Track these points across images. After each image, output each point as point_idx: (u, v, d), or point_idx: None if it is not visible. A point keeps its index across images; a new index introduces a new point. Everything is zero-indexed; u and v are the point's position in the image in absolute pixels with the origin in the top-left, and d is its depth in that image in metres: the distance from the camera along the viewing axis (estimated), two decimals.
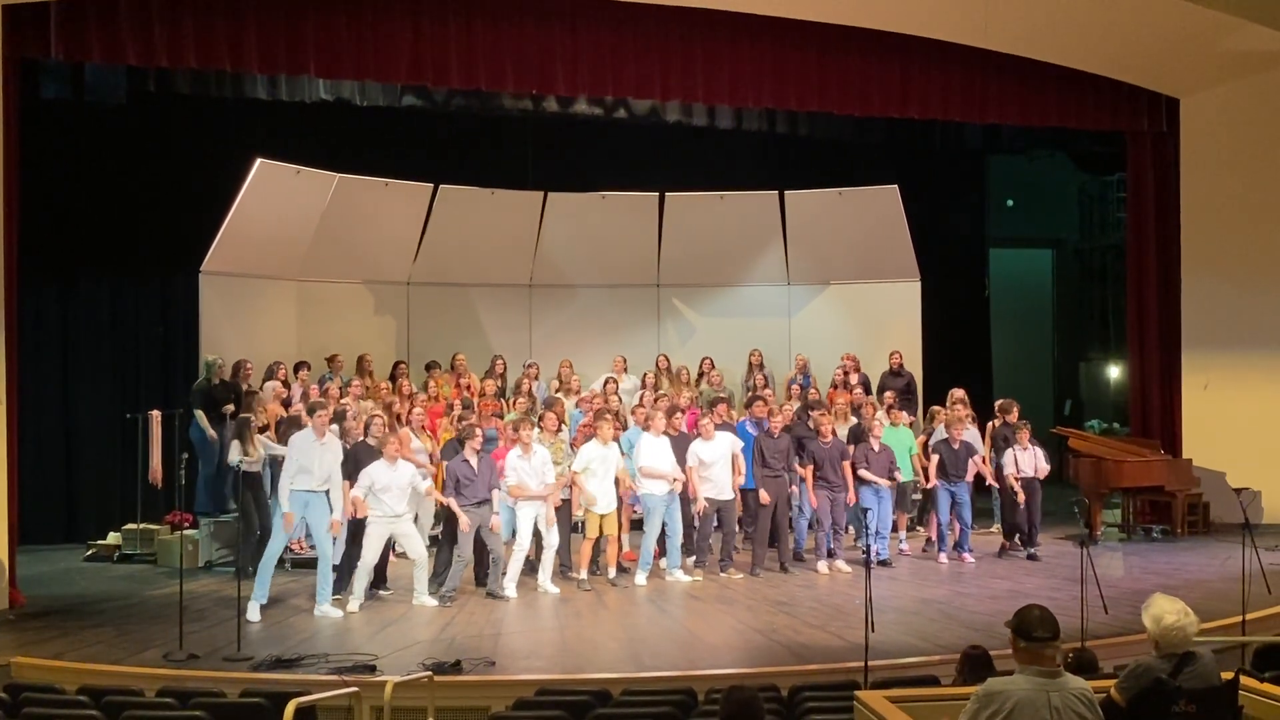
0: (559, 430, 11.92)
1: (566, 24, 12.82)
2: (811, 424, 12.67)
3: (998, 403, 13.85)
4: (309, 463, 10.17)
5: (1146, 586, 10.61)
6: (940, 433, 13.36)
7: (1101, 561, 11.38)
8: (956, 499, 12.77)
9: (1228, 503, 14.07)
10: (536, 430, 11.42)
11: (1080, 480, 14.36)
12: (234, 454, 11.45)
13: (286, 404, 13.13)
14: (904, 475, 13.03)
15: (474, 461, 10.86)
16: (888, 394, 14.33)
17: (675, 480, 11.67)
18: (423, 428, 12.64)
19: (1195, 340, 15.32)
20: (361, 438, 11.08)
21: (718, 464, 11.85)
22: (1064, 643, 4.55)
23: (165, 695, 6.83)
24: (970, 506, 12.91)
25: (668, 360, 15.56)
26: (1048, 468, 13.11)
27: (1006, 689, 4.39)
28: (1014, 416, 13.35)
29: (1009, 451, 12.98)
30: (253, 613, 9.88)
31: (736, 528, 12.52)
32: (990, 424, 13.74)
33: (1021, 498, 12.78)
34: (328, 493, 10.32)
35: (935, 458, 12.88)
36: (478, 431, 11.09)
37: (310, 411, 10.74)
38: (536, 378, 14.81)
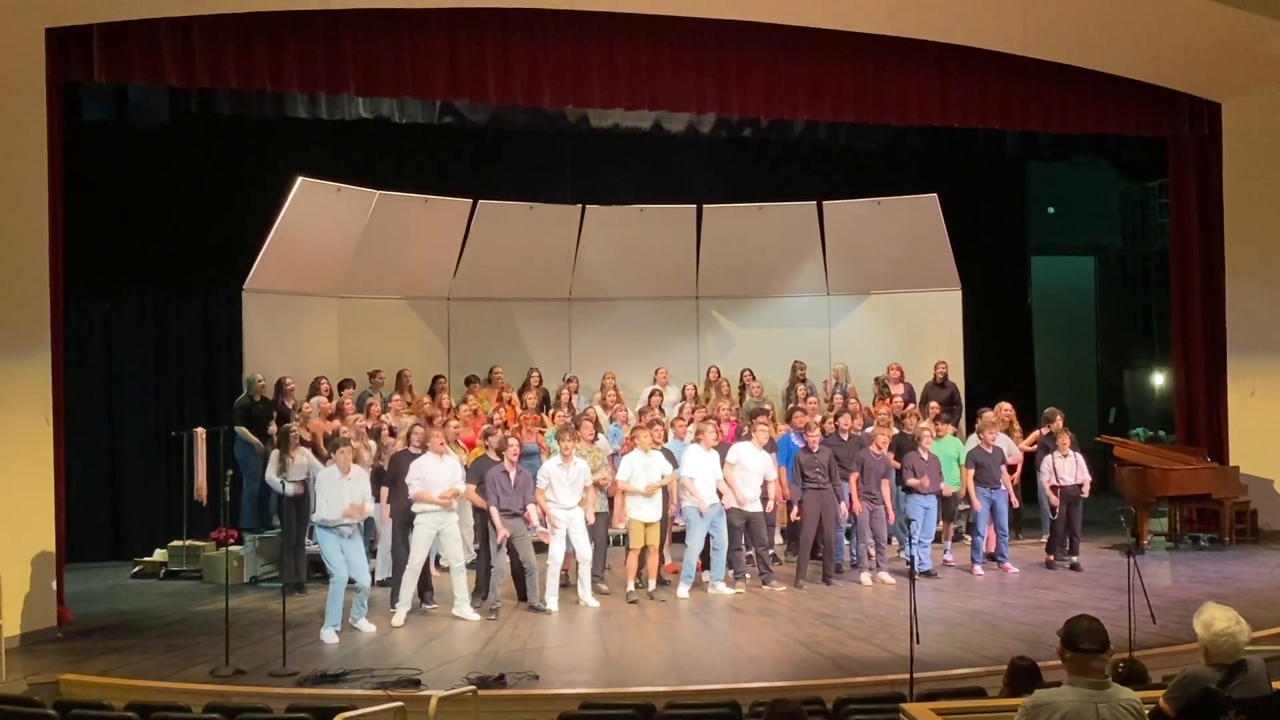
0: (595, 439, 11.93)
1: (602, 39, 12.84)
2: (846, 430, 12.58)
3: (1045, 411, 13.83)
4: (336, 500, 10.02)
5: (1194, 596, 10.48)
6: (973, 440, 13.27)
7: (1149, 571, 11.25)
8: (996, 506, 12.67)
9: (1276, 510, 13.92)
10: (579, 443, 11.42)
11: (1126, 489, 14.20)
12: (271, 470, 11.55)
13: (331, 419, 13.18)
14: (952, 485, 12.93)
15: (512, 474, 10.89)
16: (933, 405, 14.25)
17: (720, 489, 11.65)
18: (455, 441, 12.65)
19: (1241, 346, 15.10)
20: (403, 447, 11.14)
21: (747, 476, 11.80)
22: (1113, 654, 4.49)
23: (212, 711, 6.88)
24: (1008, 514, 12.81)
25: (718, 372, 15.54)
26: (1089, 477, 12.92)
27: (1054, 700, 4.34)
28: (1058, 424, 13.25)
29: (1047, 459, 12.87)
30: (328, 637, 9.84)
31: (768, 540, 12.45)
32: (1037, 432, 13.73)
33: (1054, 502, 12.68)
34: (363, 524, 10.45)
35: (973, 467, 12.76)
36: (512, 442, 11.11)
37: (332, 448, 10.60)
38: (577, 391, 14.82)
